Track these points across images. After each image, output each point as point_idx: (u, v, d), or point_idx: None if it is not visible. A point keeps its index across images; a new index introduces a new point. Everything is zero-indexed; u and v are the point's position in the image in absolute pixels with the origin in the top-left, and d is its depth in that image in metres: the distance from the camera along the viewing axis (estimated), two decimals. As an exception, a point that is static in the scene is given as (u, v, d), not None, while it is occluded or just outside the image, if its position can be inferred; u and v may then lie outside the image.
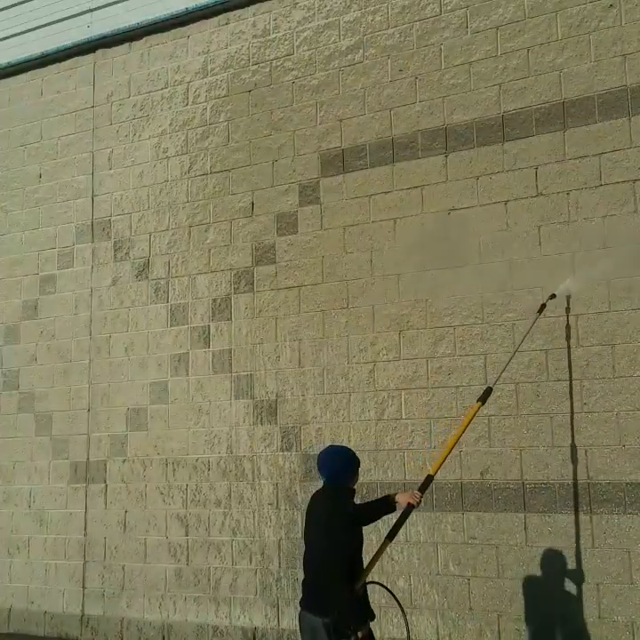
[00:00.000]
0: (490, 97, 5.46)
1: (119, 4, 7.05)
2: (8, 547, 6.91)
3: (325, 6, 6.13)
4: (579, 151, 5.14)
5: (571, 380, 4.94)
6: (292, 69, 6.22)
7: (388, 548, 3.98)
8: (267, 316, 6.05)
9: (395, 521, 3.92)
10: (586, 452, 4.88)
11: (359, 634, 3.44)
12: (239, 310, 6.17)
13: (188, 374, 6.31)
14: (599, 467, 4.83)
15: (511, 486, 5.06)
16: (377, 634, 5.09)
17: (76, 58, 7.27)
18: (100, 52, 7.16)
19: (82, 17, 7.25)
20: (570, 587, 4.83)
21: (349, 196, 5.86)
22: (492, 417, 5.16)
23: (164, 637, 6.12)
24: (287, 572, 5.69)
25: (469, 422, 4.30)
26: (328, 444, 5.62)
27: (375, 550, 3.86)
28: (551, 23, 5.31)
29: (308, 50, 6.16)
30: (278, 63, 6.29)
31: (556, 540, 4.90)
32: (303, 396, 5.82)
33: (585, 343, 4.96)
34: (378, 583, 3.97)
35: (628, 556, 4.70)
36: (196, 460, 6.17)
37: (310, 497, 3.92)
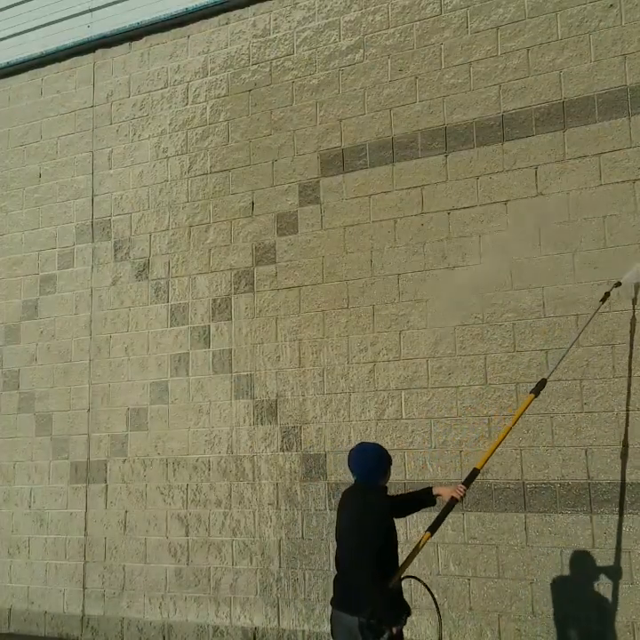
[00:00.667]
0: (490, 97, 5.46)
1: (119, 4, 7.04)
2: (8, 547, 6.91)
3: (325, 6, 6.13)
4: (578, 151, 5.14)
5: (629, 377, 4.80)
6: (292, 69, 6.21)
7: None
8: (267, 316, 6.05)
9: (437, 514, 3.84)
10: (586, 451, 4.88)
11: (394, 630, 3.41)
12: (239, 310, 6.17)
13: (188, 374, 6.31)
14: (599, 466, 4.84)
15: (511, 486, 5.06)
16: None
17: (76, 57, 7.26)
18: (99, 51, 7.16)
19: (82, 17, 7.24)
20: (570, 587, 4.84)
21: (349, 195, 5.86)
22: (493, 417, 5.16)
23: (164, 637, 6.12)
24: (287, 572, 5.69)
25: (520, 415, 4.22)
26: (328, 443, 5.66)
27: (413, 547, 3.83)
28: (551, 23, 5.31)
29: (308, 50, 6.16)
30: (278, 63, 6.28)
31: (556, 540, 4.90)
32: (303, 395, 5.82)
33: (585, 343, 4.96)
34: (415, 578, 3.87)
35: (628, 556, 4.71)
36: (197, 460, 6.17)
37: (341, 494, 3.87)
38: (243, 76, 6.42)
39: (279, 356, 5.96)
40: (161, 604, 6.18)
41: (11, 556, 6.88)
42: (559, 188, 5.17)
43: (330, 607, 3.69)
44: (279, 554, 5.76)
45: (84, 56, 7.23)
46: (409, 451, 5.40)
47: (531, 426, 5.05)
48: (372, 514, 3.57)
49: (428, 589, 3.93)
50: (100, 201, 6.95)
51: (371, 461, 3.75)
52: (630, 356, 4.82)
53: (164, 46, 6.84)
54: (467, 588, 5.13)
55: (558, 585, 4.87)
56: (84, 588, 6.52)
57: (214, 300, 6.29)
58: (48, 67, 7.40)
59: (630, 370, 4.81)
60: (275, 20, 6.33)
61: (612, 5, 5.15)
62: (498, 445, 4.12)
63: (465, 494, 3.83)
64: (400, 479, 5.35)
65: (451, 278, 5.41)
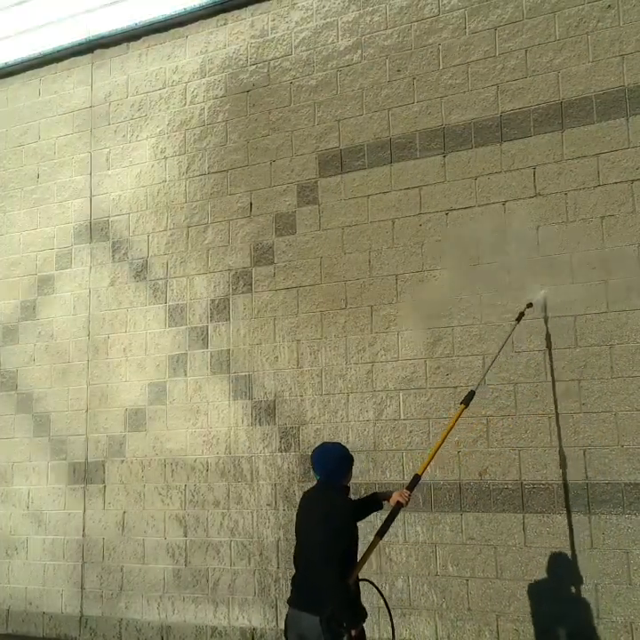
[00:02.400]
0: (488, 97, 5.46)
1: (117, 5, 7.04)
2: (6, 548, 6.90)
3: (324, 7, 6.13)
4: (577, 151, 5.14)
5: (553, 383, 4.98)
6: (290, 70, 6.21)
7: (380, 547, 4.02)
8: (265, 317, 6.05)
9: (384, 518, 3.97)
10: (584, 452, 4.89)
11: (352, 632, 3.44)
12: (237, 311, 6.17)
13: (186, 375, 6.31)
14: (597, 467, 4.84)
15: (509, 487, 5.06)
16: (375, 634, 5.13)
17: (74, 58, 7.25)
18: (97, 52, 7.16)
19: (80, 17, 7.23)
20: (568, 587, 4.84)
21: (347, 196, 5.86)
22: (491, 417, 5.16)
23: (162, 638, 6.12)
24: (286, 572, 5.69)
25: (453, 425, 4.40)
26: (321, 443, 5.64)
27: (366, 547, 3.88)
28: (549, 23, 5.32)
29: (307, 50, 6.16)
30: (276, 63, 6.28)
31: (554, 540, 4.90)
32: (302, 396, 5.82)
33: (583, 343, 4.96)
34: (368, 581, 3.92)
35: (626, 556, 4.71)
36: (195, 460, 6.17)
37: (302, 494, 3.93)
38: (241, 77, 6.42)
39: (277, 357, 5.96)
40: (159, 604, 6.18)
41: (9, 557, 6.88)
42: (557, 188, 5.17)
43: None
44: (277, 554, 5.76)
45: (82, 56, 7.22)
46: (407, 451, 5.40)
47: (529, 426, 5.05)
48: (337, 515, 3.60)
49: (380, 591, 4.07)
50: (99, 201, 6.94)
51: (334, 461, 3.81)
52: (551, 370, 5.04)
53: (161, 47, 6.84)
54: (465, 589, 5.13)
55: (557, 585, 4.87)
56: (82, 588, 6.51)
57: (212, 301, 6.29)
58: (46, 67, 7.39)
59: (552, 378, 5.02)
60: (273, 20, 6.33)
61: (610, 6, 5.15)
62: (435, 454, 4.27)
63: (409, 499, 3.96)
64: (398, 479, 5.35)
65: (449, 278, 5.41)
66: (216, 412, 6.14)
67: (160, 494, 6.27)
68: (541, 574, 4.92)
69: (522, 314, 4.95)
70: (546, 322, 5.07)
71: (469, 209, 5.42)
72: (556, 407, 4.97)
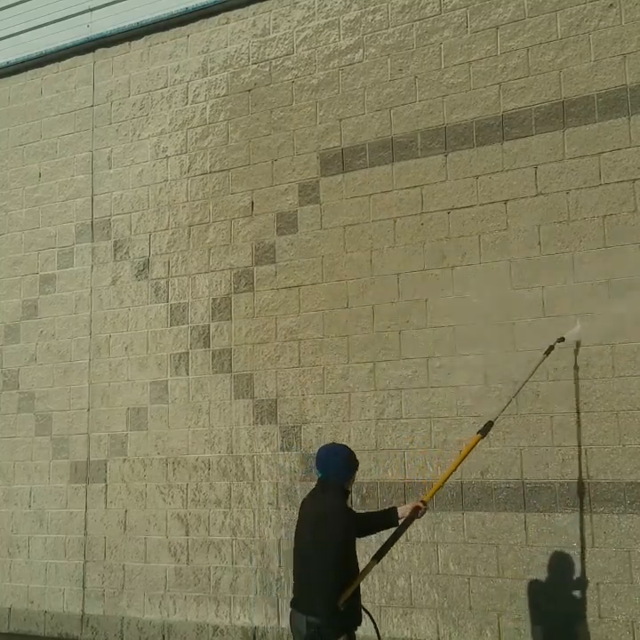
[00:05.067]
0: (489, 96, 5.46)
1: (119, 4, 7.04)
2: (8, 546, 6.91)
3: (325, 6, 6.13)
4: (578, 150, 5.14)
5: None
6: (292, 69, 6.21)
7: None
8: (267, 316, 6.05)
9: (395, 530, 3.90)
10: (586, 451, 4.88)
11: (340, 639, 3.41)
12: (239, 310, 6.17)
13: (187, 374, 6.31)
14: (599, 466, 4.84)
15: (511, 486, 5.06)
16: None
17: (76, 57, 7.26)
18: (99, 51, 7.16)
19: (81, 16, 7.24)
20: (570, 586, 4.84)
21: (349, 195, 5.86)
22: (492, 416, 5.15)
23: (164, 637, 6.12)
24: (287, 571, 5.69)
25: (467, 454, 4.21)
26: (328, 443, 5.64)
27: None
28: (551, 22, 5.31)
29: (308, 49, 6.16)
30: (278, 62, 6.28)
31: (555, 539, 4.90)
32: (303, 395, 5.82)
33: (584, 343, 4.96)
34: (364, 610, 3.71)
35: (628, 555, 4.71)
36: (197, 459, 6.17)
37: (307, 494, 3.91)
38: (242, 76, 6.42)
39: (279, 356, 5.96)
40: (161, 603, 6.18)
41: (11, 556, 6.88)
42: (559, 187, 5.17)
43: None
44: (279, 553, 5.76)
45: (84, 56, 7.22)
46: (409, 450, 5.41)
47: (531, 425, 5.05)
48: (329, 516, 3.52)
49: (369, 615, 3.79)
50: (100, 200, 6.95)
51: (337, 462, 3.75)
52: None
53: (163, 46, 6.84)
54: (466, 588, 5.13)
55: (558, 584, 4.87)
56: (83, 587, 6.52)
57: (214, 300, 6.29)
58: (48, 66, 7.40)
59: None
60: (274, 19, 6.33)
61: (611, 5, 5.15)
62: (443, 484, 4.12)
63: (425, 511, 3.91)
64: (400, 479, 5.36)
65: (450, 278, 5.41)
66: (217, 411, 6.14)
67: (162, 493, 6.28)
68: (543, 573, 4.92)
69: (551, 348, 4.79)
70: (576, 354, 4.98)
71: (471, 208, 5.42)
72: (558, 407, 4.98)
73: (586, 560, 4.80)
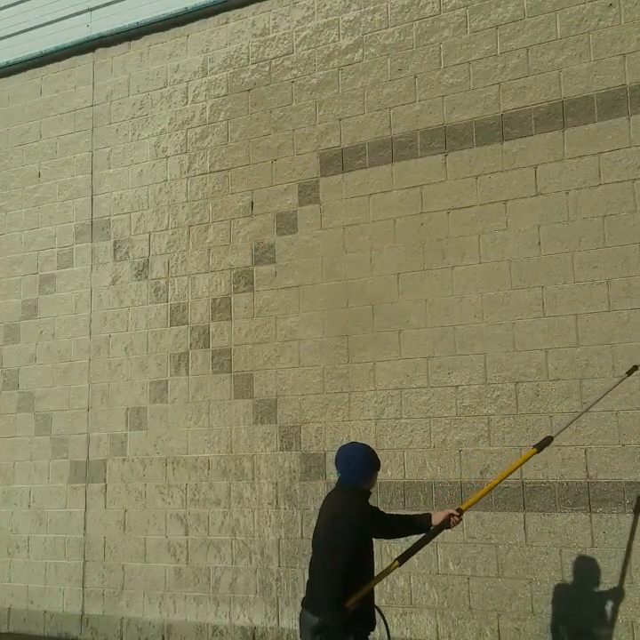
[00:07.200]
0: (489, 96, 5.46)
1: (118, 3, 7.04)
2: (8, 546, 6.91)
3: (325, 5, 6.13)
4: (578, 150, 5.14)
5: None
6: (292, 68, 6.21)
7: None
8: (266, 316, 6.05)
9: (424, 535, 3.81)
10: (585, 451, 4.89)
11: None
12: (239, 310, 6.17)
13: (187, 374, 6.31)
14: (598, 466, 4.84)
15: (511, 485, 5.06)
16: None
17: (75, 57, 7.26)
18: (99, 51, 7.16)
19: (81, 16, 7.24)
20: (569, 586, 4.84)
21: (349, 195, 5.86)
22: (492, 416, 5.16)
23: (163, 637, 6.12)
24: (287, 571, 5.70)
25: (518, 467, 4.13)
26: (328, 443, 5.66)
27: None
28: (550, 22, 5.31)
29: (308, 49, 6.16)
30: (278, 62, 6.28)
31: (555, 539, 4.90)
32: (303, 395, 5.82)
33: (585, 342, 4.96)
34: (377, 609, 3.66)
35: (627, 555, 4.70)
36: (196, 459, 6.17)
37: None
38: (242, 76, 6.42)
39: (279, 356, 5.96)
40: (160, 603, 6.18)
41: (10, 556, 6.88)
42: (558, 187, 5.17)
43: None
44: (278, 553, 5.76)
45: (84, 55, 7.23)
46: (408, 450, 5.41)
47: (530, 425, 5.05)
48: (342, 516, 3.45)
49: (383, 617, 3.71)
50: (100, 200, 6.95)
51: (355, 462, 3.65)
52: None
53: (163, 46, 6.84)
54: (466, 588, 5.13)
55: (557, 584, 4.87)
56: (83, 587, 6.52)
57: (214, 300, 6.29)
58: (47, 66, 7.40)
59: None
60: (274, 19, 6.33)
61: (611, 5, 5.15)
62: (485, 494, 4.01)
63: (459, 520, 3.84)
64: (399, 479, 5.36)
65: (450, 278, 5.41)
66: (217, 411, 6.14)
67: (161, 493, 6.28)
68: (542, 573, 4.92)
69: (635, 368, 4.60)
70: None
71: (471, 208, 5.42)
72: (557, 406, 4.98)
73: (585, 560, 4.80)
